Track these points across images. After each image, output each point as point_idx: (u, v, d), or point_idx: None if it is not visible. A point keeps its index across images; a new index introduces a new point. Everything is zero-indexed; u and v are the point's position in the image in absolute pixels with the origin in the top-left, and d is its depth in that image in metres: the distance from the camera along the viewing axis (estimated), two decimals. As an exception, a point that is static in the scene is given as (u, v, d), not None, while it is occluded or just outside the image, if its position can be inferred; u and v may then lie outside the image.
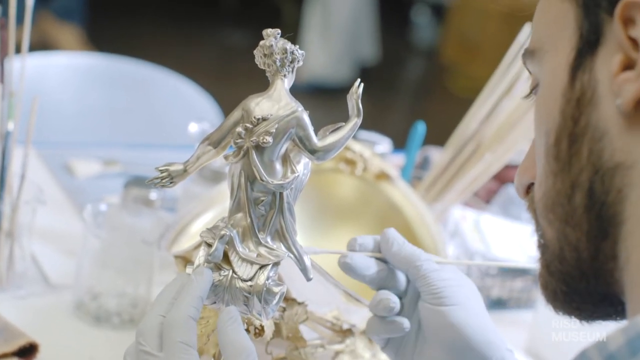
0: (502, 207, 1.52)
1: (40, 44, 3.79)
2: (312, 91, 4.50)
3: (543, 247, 0.66)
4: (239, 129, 0.71)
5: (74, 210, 1.41)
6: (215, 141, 0.73)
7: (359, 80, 0.73)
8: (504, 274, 1.33)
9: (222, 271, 0.72)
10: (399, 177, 1.20)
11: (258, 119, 0.71)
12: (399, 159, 1.46)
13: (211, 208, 1.13)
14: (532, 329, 1.25)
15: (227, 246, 0.73)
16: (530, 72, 0.68)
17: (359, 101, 0.73)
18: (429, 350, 0.79)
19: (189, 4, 5.74)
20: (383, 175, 1.19)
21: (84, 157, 1.58)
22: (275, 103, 0.71)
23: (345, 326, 0.93)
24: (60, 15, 4.15)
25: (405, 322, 0.79)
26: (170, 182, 0.73)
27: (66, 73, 1.98)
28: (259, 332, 0.76)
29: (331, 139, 0.73)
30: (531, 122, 0.69)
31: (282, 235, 0.74)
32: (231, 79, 4.11)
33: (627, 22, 0.57)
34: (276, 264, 0.73)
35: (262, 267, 0.72)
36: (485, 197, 1.56)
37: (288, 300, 0.87)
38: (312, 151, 0.72)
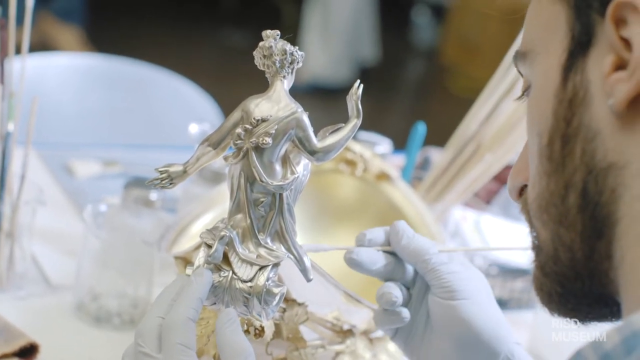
0: (503, 207, 1.52)
1: (40, 45, 3.79)
2: (312, 92, 4.50)
3: (537, 248, 0.67)
4: (239, 130, 0.71)
5: (74, 211, 1.41)
6: (215, 142, 0.73)
7: (358, 81, 0.73)
8: (505, 274, 1.33)
9: (222, 272, 0.72)
10: (399, 178, 1.20)
11: (258, 120, 0.71)
12: (399, 159, 1.46)
13: (211, 209, 1.13)
14: (533, 330, 1.25)
15: (227, 247, 0.73)
16: (521, 75, 0.69)
17: (359, 102, 0.73)
18: (438, 342, 0.79)
19: (188, 4, 5.74)
20: (383, 176, 1.19)
21: (84, 158, 1.58)
22: (275, 104, 0.71)
23: (346, 327, 0.93)
24: (60, 16, 4.15)
25: (404, 312, 0.79)
26: (170, 183, 0.73)
27: (66, 74, 1.98)
28: (259, 333, 0.76)
29: (331, 139, 0.73)
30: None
31: (282, 236, 0.74)
32: (231, 80, 4.11)
33: (619, 22, 0.58)
34: (276, 264, 0.73)
35: (262, 268, 0.72)
36: (485, 198, 1.56)
37: (288, 301, 0.87)
38: (312, 152, 0.72)
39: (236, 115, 0.72)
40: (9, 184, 1.14)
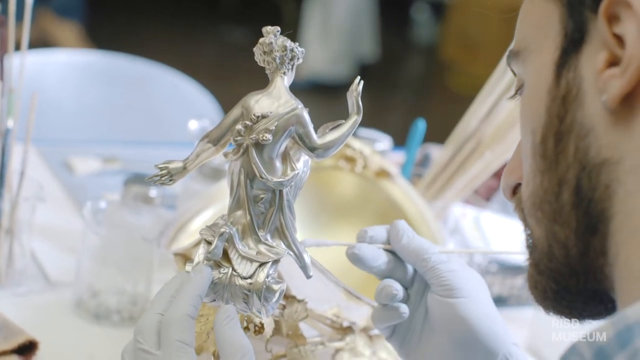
0: (502, 204, 1.52)
1: (40, 41, 3.79)
2: (312, 88, 4.50)
3: (531, 247, 0.67)
4: (239, 126, 0.71)
5: (74, 208, 1.41)
6: (214, 139, 0.73)
7: (359, 77, 0.73)
8: (505, 271, 1.33)
9: (222, 269, 0.72)
10: (399, 175, 1.20)
11: (258, 117, 0.71)
12: (399, 156, 1.46)
13: (211, 205, 1.12)
14: (533, 327, 1.25)
15: (226, 244, 0.73)
16: (514, 74, 0.69)
17: (359, 99, 0.73)
18: (436, 341, 0.79)
19: (188, 1, 5.74)
20: (383, 173, 1.19)
21: (83, 155, 1.58)
22: (275, 100, 0.71)
23: (346, 324, 0.93)
24: (60, 12, 4.15)
25: (402, 307, 0.79)
26: (170, 180, 0.73)
27: (65, 70, 1.97)
28: (259, 329, 0.76)
29: (331, 136, 0.73)
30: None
31: (282, 233, 0.73)
32: (231, 77, 4.11)
33: (612, 19, 0.58)
34: (276, 261, 0.73)
35: (262, 264, 0.72)
36: (485, 195, 1.56)
37: (288, 297, 0.87)
38: (312, 149, 0.72)
39: (236, 111, 0.72)
40: (8, 181, 1.14)
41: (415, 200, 1.18)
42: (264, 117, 0.71)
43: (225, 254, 0.73)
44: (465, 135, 1.30)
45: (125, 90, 2.01)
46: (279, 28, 0.72)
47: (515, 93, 0.70)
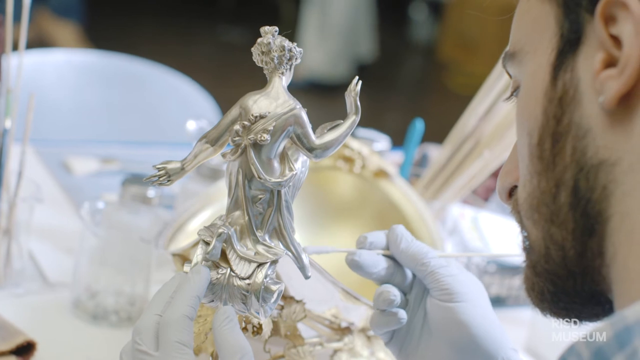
0: (501, 204, 1.52)
1: (38, 41, 3.79)
2: (310, 89, 4.50)
3: (528, 249, 0.66)
4: (237, 126, 0.71)
5: (72, 208, 1.40)
6: (212, 139, 0.72)
7: (357, 77, 0.73)
8: (503, 271, 1.33)
9: (220, 269, 0.72)
10: (398, 175, 1.20)
11: (256, 117, 0.70)
12: (398, 156, 1.46)
13: (209, 206, 1.12)
14: (531, 327, 1.25)
15: (225, 244, 0.72)
16: (510, 75, 0.69)
17: (357, 99, 0.73)
18: (434, 346, 0.79)
19: (186, 1, 5.74)
20: (381, 173, 1.19)
21: (81, 155, 1.58)
22: (273, 101, 0.71)
23: (344, 324, 0.93)
24: (58, 12, 4.15)
25: (400, 313, 0.79)
26: (168, 180, 0.73)
27: (63, 70, 1.97)
28: (257, 330, 0.76)
29: (329, 136, 0.73)
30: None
31: (280, 233, 0.73)
32: (229, 77, 4.11)
33: (608, 20, 0.58)
34: (274, 262, 0.73)
35: (260, 265, 0.72)
36: (483, 195, 1.56)
37: (286, 298, 0.87)
38: (310, 149, 0.72)
39: (234, 111, 0.72)
40: (6, 181, 1.14)
41: (414, 201, 1.17)
42: (262, 117, 0.70)
43: (224, 255, 0.73)
44: (464, 135, 1.30)
45: (123, 90, 2.01)
46: (277, 28, 0.72)
47: (511, 95, 0.70)
